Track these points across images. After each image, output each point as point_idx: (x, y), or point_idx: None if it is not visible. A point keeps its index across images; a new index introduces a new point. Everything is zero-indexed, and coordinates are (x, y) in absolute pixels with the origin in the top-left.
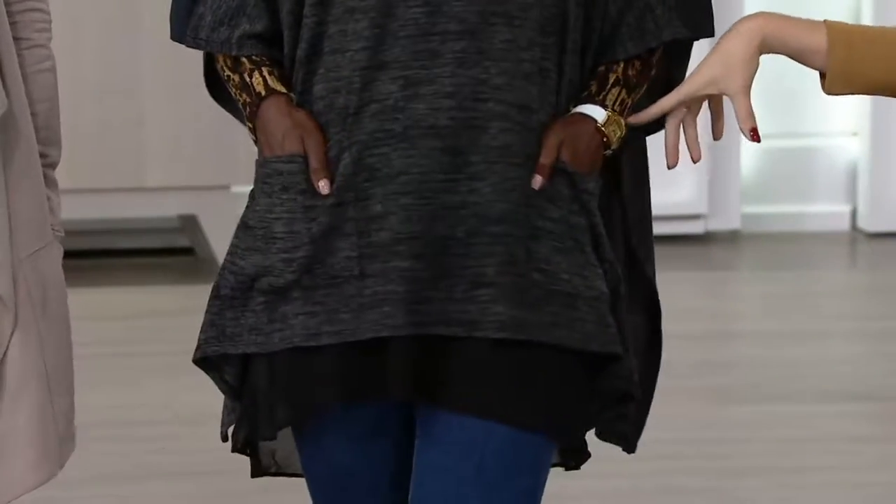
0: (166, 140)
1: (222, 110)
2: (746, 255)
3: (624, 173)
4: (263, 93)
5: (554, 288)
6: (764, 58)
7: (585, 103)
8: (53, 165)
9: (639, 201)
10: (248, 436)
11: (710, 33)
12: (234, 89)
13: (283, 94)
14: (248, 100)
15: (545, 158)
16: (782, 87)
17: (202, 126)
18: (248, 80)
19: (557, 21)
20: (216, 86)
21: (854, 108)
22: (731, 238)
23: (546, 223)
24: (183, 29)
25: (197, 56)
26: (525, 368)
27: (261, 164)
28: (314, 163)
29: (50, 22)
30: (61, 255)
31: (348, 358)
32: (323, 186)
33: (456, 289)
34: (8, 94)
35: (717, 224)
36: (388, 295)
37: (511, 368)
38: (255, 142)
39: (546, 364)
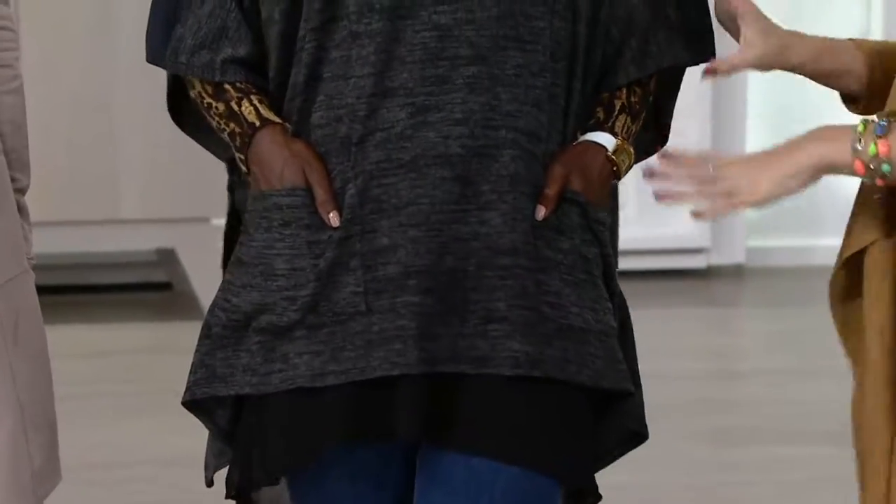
0: (142, 170)
1: None
2: (751, 291)
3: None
4: (257, 123)
5: (565, 322)
6: (771, 88)
7: (594, 130)
8: (23, 191)
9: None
10: (242, 482)
11: (711, 55)
12: (217, 118)
13: (279, 123)
14: (237, 130)
15: (551, 189)
16: (789, 118)
17: (180, 155)
18: (236, 108)
19: (567, 44)
20: (181, 111)
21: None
22: (734, 273)
23: (556, 255)
24: (160, 51)
25: None
26: (536, 407)
27: (257, 197)
28: (321, 195)
29: (17, 41)
30: (34, 284)
31: (353, 397)
32: (333, 219)
33: (466, 324)
34: None
35: (720, 258)
36: (399, 331)
37: (522, 407)
38: (247, 174)
39: (557, 402)
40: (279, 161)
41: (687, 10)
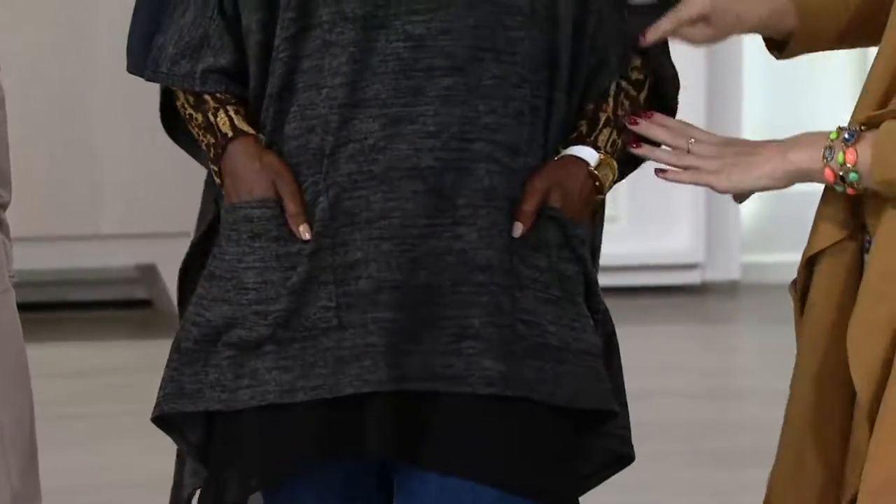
0: (122, 184)
1: (182, 151)
2: (746, 308)
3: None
4: (230, 134)
5: (540, 341)
6: (768, 104)
7: (576, 144)
8: (4, 206)
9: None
10: (216, 501)
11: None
12: (196, 129)
13: (252, 134)
14: (212, 141)
15: (528, 205)
16: (784, 127)
17: (160, 169)
18: (212, 119)
19: (547, 55)
20: (174, 124)
21: None
22: (729, 289)
23: (532, 272)
24: (140, 60)
25: (155, 93)
26: (512, 426)
27: (228, 209)
28: (292, 207)
29: None
30: (14, 302)
31: (324, 413)
32: (303, 231)
33: (439, 341)
34: None
35: (714, 274)
36: (368, 348)
37: (497, 426)
38: (221, 185)
39: (534, 421)
40: (250, 173)
41: None
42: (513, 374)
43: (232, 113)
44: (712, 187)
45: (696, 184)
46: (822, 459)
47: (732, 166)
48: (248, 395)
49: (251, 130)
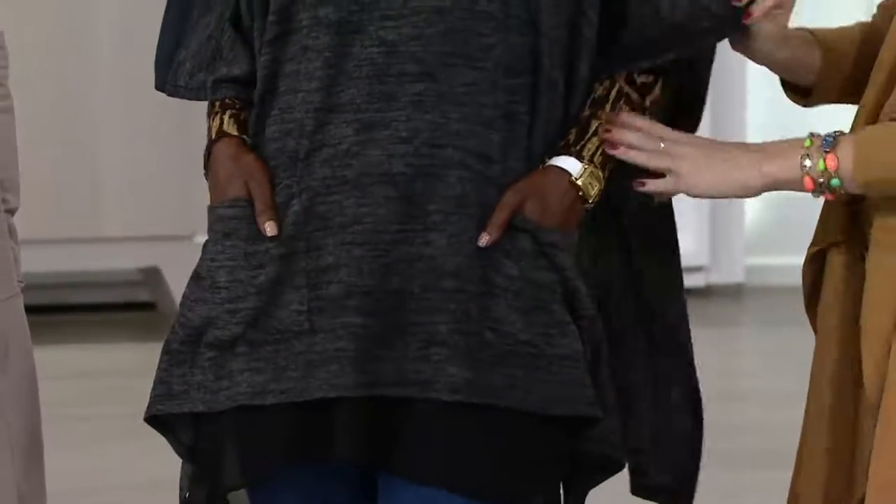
0: (124, 187)
1: (183, 154)
2: (750, 310)
3: (630, 235)
4: (214, 136)
5: (510, 348)
6: (769, 108)
7: (560, 154)
8: (12, 211)
9: (655, 263)
10: (205, 499)
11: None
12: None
13: (234, 136)
14: (206, 144)
15: (496, 216)
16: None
17: (163, 172)
18: (210, 123)
19: (527, 60)
20: None
21: None
22: (734, 292)
23: (502, 280)
24: (165, 76)
25: (155, 100)
26: (480, 433)
27: (209, 210)
28: (259, 205)
29: (7, 59)
30: (22, 307)
31: (295, 416)
32: (269, 229)
33: (410, 347)
34: None
35: (719, 277)
36: (337, 353)
37: (466, 433)
38: None
39: (503, 428)
40: (224, 173)
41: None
42: (478, 381)
43: (227, 117)
44: (688, 193)
45: (676, 192)
46: (839, 458)
47: (706, 169)
48: (225, 396)
49: (235, 133)
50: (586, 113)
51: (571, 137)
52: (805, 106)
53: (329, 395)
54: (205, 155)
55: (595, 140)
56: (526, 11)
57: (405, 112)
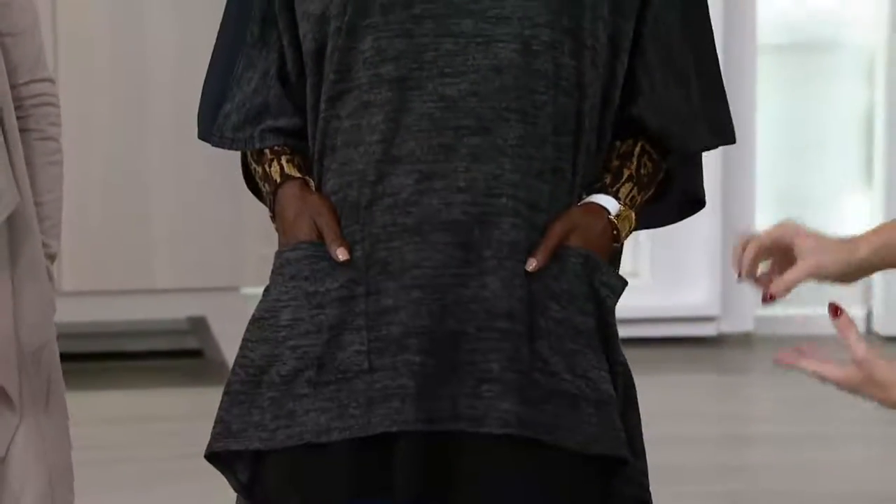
0: (174, 240)
1: (231, 209)
2: (760, 358)
3: None
4: (279, 180)
5: (555, 388)
6: (778, 157)
7: (598, 193)
8: (52, 257)
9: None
10: None
11: (731, 140)
12: (260, 182)
13: (298, 178)
14: (268, 189)
15: (546, 244)
16: (796, 191)
17: (211, 226)
18: (268, 170)
19: (572, 120)
20: (256, 186)
21: (868, 211)
22: (744, 340)
23: (547, 323)
24: (209, 127)
25: (204, 154)
26: (532, 468)
27: (276, 255)
28: (329, 235)
29: (60, 116)
30: (58, 350)
31: (357, 454)
32: (341, 255)
33: (465, 384)
34: (18, 187)
35: (730, 326)
36: (398, 389)
37: (518, 468)
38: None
39: (553, 464)
40: (293, 212)
41: (707, 98)
42: (528, 417)
43: (284, 161)
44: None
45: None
46: None
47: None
48: (285, 434)
49: (298, 175)
50: (616, 163)
51: (608, 180)
52: None
53: (391, 429)
54: (269, 200)
55: (628, 185)
56: (574, 75)
57: (464, 163)
